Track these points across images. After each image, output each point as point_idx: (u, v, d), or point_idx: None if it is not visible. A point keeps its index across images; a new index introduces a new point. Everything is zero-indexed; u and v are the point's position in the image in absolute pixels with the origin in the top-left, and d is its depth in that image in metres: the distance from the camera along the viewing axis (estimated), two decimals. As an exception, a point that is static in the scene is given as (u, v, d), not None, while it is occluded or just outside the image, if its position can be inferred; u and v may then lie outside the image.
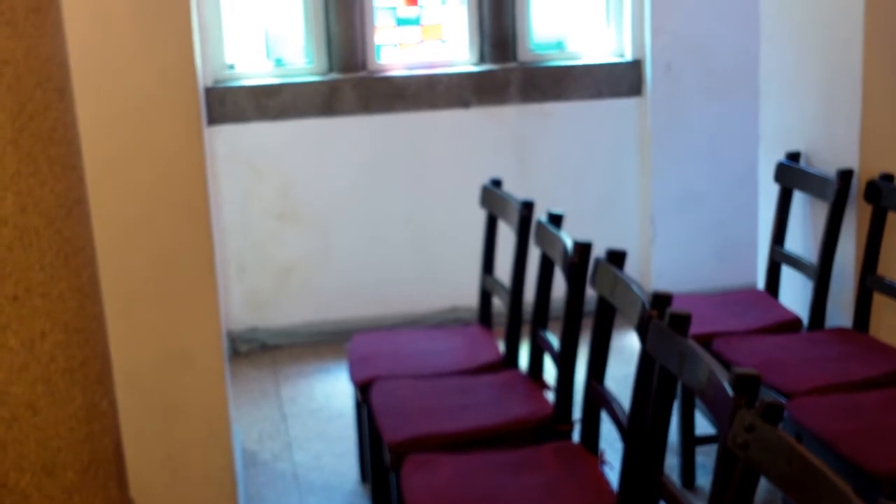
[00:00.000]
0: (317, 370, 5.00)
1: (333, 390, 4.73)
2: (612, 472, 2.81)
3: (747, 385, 1.97)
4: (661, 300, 2.42)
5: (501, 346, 3.56)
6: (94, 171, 1.88)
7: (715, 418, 2.11)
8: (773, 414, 1.89)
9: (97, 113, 2.93)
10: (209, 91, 4.97)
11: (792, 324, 3.73)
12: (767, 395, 1.97)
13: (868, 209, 3.57)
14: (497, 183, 3.76)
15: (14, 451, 1.69)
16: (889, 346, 3.43)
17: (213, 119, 5.00)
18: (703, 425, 3.78)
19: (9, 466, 1.69)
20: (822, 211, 3.74)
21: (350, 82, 5.17)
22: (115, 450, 1.90)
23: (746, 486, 1.96)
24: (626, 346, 4.51)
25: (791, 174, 3.92)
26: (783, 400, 2.97)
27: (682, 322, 2.31)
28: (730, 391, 1.99)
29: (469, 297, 4.36)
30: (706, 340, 3.50)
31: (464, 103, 5.25)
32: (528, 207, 3.42)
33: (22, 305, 1.65)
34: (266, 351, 5.26)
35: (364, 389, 3.39)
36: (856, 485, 2.41)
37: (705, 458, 3.80)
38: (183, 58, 3.17)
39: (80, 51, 1.95)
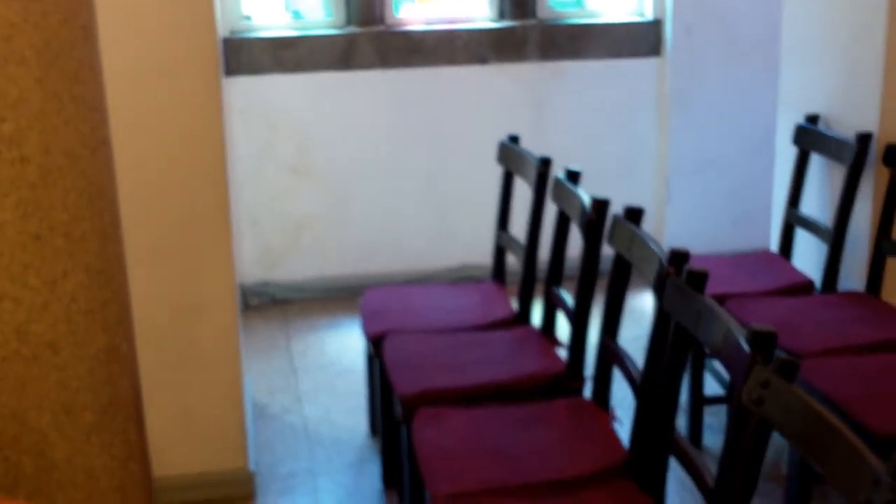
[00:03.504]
0: (327, 325, 5.01)
1: (344, 346, 4.74)
2: (622, 429, 2.82)
3: (764, 342, 1.97)
4: (679, 257, 2.42)
5: (514, 304, 3.56)
6: (112, 121, 1.87)
7: (730, 375, 2.12)
8: (788, 370, 1.89)
9: (114, 64, 2.92)
10: (226, 42, 4.96)
11: (804, 286, 3.73)
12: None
13: (886, 173, 3.56)
14: (514, 139, 3.75)
15: (34, 390, 1.70)
16: (902, 311, 3.44)
17: (229, 71, 4.98)
18: (711, 386, 3.79)
19: (28, 405, 1.71)
20: (839, 174, 3.73)
21: (367, 36, 5.15)
22: (134, 393, 1.91)
23: (759, 441, 1.97)
24: (638, 307, 4.51)
25: (809, 137, 3.91)
26: (795, 361, 2.97)
27: (699, 279, 2.31)
28: (746, 348, 2.00)
29: (481, 255, 4.36)
30: (719, 301, 3.47)
31: (481, 59, 5.23)
32: (545, 164, 3.40)
33: (44, 245, 1.65)
34: (277, 305, 5.27)
35: (376, 343, 3.40)
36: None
37: (712, 419, 3.82)
38: (202, 8, 3.16)
39: (98, 1, 1.94)
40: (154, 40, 3.13)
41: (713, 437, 3.77)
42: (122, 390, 1.85)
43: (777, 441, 3.37)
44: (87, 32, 1.70)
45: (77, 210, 1.68)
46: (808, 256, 3.94)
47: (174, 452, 3.40)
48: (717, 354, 2.20)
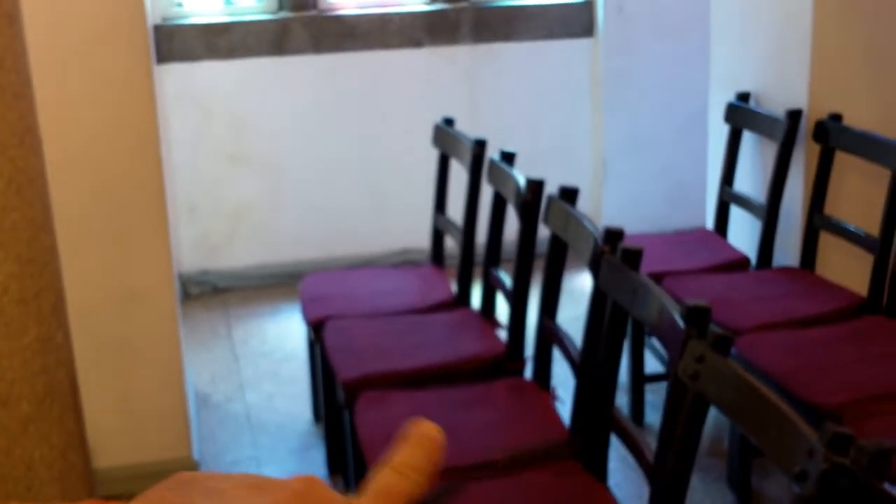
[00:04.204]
0: (268, 312, 4.99)
1: (285, 332, 4.73)
2: (564, 408, 2.84)
3: (698, 316, 1.99)
4: (614, 236, 2.44)
5: (454, 286, 3.57)
6: (42, 110, 1.85)
7: (667, 351, 2.14)
8: (722, 344, 1.92)
9: (45, 50, 2.88)
10: (158, 29, 4.91)
11: (740, 263, 3.77)
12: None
13: (816, 149, 3.61)
14: (449, 122, 3.75)
15: (-32, 382, 1.68)
16: (834, 284, 3.49)
17: (162, 58, 4.93)
18: (651, 364, 3.83)
19: (-38, 398, 1.69)
20: (770, 151, 3.78)
21: (300, 21, 5.12)
22: (71, 383, 1.90)
23: (696, 415, 2.00)
24: (577, 288, 4.54)
25: (741, 114, 3.95)
26: (732, 336, 3.00)
27: (634, 257, 2.33)
28: (681, 323, 2.02)
29: (420, 239, 4.36)
30: (656, 279, 3.51)
31: (416, 43, 5.23)
32: (480, 146, 3.41)
33: (-27, 236, 1.64)
34: (217, 293, 5.24)
35: (317, 328, 3.39)
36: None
37: (654, 396, 3.85)
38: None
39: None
40: (83, 27, 3.09)
41: (654, 414, 3.80)
42: (59, 380, 1.83)
43: (720, 418, 3.42)
44: (11, 20, 1.67)
45: (5, 199, 1.66)
46: (744, 233, 3.99)
47: (116, 443, 3.37)
48: (654, 331, 2.22)
